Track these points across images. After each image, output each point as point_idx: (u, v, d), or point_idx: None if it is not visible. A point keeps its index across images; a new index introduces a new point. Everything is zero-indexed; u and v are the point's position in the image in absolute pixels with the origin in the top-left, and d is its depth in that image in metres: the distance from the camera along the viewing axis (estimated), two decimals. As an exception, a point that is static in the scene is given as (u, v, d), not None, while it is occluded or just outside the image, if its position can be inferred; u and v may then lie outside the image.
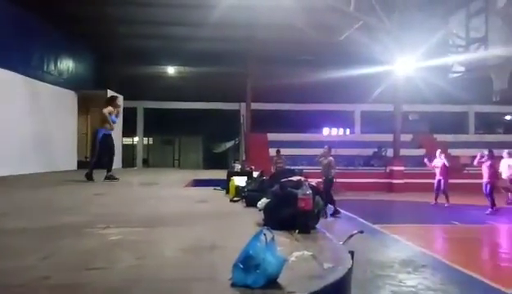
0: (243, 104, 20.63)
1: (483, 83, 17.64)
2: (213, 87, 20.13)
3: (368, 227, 8.56)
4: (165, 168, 18.58)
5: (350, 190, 15.47)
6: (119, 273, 1.79)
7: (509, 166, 11.65)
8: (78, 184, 7.09)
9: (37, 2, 11.32)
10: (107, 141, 7.64)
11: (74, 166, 12.53)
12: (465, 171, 15.65)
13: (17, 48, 10.09)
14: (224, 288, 1.53)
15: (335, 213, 9.92)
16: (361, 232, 2.98)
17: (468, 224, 9.71)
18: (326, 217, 8.66)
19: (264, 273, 1.51)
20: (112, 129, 7.73)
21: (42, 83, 11.19)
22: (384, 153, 18.84)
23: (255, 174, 5.04)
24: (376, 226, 8.70)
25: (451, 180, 12.50)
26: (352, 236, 2.64)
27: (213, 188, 5.73)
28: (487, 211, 10.56)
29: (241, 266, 1.53)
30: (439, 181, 12.37)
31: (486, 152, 11.26)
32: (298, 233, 2.47)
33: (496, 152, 11.71)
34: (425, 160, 13.29)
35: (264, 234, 1.59)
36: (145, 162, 23.17)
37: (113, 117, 7.69)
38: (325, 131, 17.98)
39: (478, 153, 11.62)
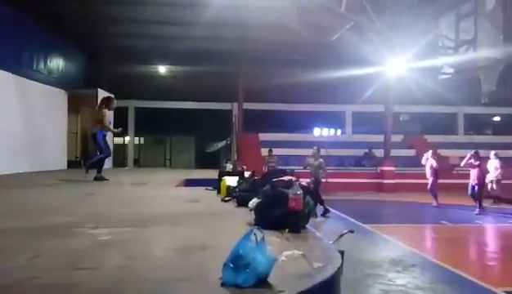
0: (235, 104, 20.64)
1: (472, 85, 17.88)
2: (204, 87, 20.03)
3: (358, 227, 8.64)
4: (156, 168, 18.50)
5: (341, 190, 15.56)
6: (109, 273, 1.79)
7: (495, 167, 11.81)
8: (68, 184, 7.04)
9: (27, 0, 11.19)
10: (107, 141, 7.64)
11: (64, 165, 12.41)
12: (454, 172, 15.82)
13: (6, 46, 9.95)
14: (214, 288, 1.53)
15: (325, 213, 9.98)
16: (352, 231, 3.00)
17: (457, 224, 9.83)
18: (316, 217, 8.69)
19: (254, 273, 1.51)
20: (108, 130, 7.71)
21: (31, 82, 11.06)
22: (372, 155, 18.94)
23: (247, 174, 5.04)
24: (366, 226, 8.78)
25: (440, 181, 12.61)
26: (342, 235, 2.66)
27: (204, 188, 5.72)
28: (476, 212, 10.70)
29: (231, 266, 1.53)
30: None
31: (472, 153, 11.32)
32: (289, 232, 2.48)
33: (484, 153, 11.84)
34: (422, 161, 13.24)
35: (254, 234, 1.60)
36: (137, 162, 23.02)
37: (109, 118, 7.71)
38: (317, 131, 18.03)
39: (468, 153, 11.71)
